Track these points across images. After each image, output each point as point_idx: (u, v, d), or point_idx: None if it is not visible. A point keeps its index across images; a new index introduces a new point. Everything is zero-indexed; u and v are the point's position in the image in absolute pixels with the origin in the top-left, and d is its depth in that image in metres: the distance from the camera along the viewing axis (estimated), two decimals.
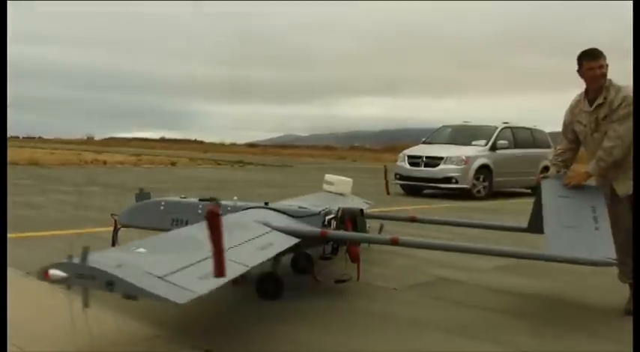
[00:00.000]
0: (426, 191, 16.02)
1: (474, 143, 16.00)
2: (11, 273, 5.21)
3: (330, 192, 6.93)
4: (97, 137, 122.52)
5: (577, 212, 4.53)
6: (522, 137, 17.00)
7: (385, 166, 9.37)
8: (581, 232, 4.38)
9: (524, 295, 5.18)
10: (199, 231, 3.50)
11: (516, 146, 16.47)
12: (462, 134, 16.96)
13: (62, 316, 4.07)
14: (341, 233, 4.85)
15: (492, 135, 16.03)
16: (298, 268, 5.39)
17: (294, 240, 4.36)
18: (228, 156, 44.79)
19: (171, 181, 17.58)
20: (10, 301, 4.34)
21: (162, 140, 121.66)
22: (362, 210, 5.32)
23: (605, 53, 4.53)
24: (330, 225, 4.95)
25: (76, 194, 12.71)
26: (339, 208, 5.14)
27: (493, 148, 15.71)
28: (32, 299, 4.46)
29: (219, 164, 33.50)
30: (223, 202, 5.06)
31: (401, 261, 6.48)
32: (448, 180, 15.07)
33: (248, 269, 3.45)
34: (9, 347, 3.40)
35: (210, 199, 5.03)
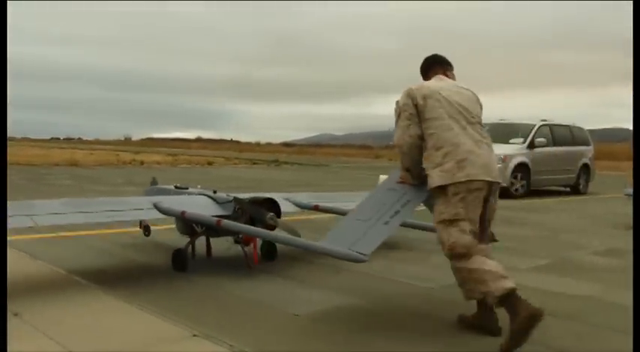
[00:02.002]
0: None
1: (511, 141, 15.78)
2: (52, 272, 5.31)
3: None
4: (135, 137, 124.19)
5: (384, 205, 4.16)
6: (561, 134, 16.72)
7: None
8: (364, 226, 4.05)
9: (563, 295, 5.08)
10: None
11: (555, 143, 16.20)
12: (500, 132, 16.71)
13: (102, 313, 4.14)
14: (196, 215, 5.36)
15: (530, 132, 15.76)
16: (263, 254, 5.96)
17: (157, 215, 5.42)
18: (263, 156, 45.04)
19: (208, 181, 17.68)
20: (51, 299, 4.43)
21: (199, 140, 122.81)
22: (266, 201, 5.64)
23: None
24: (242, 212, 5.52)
25: (113, 194, 12.87)
26: (234, 197, 5.67)
27: (531, 146, 15.46)
28: (73, 297, 4.52)
29: (254, 163, 33.73)
30: (190, 189, 6.37)
31: (437, 259, 6.40)
32: None
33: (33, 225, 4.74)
34: (54, 346, 3.44)
35: (153, 180, 7.16)
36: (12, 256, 5.91)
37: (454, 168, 3.77)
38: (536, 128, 15.91)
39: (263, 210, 5.44)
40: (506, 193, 14.72)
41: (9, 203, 4.58)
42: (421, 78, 4.37)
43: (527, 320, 3.48)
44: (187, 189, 6.36)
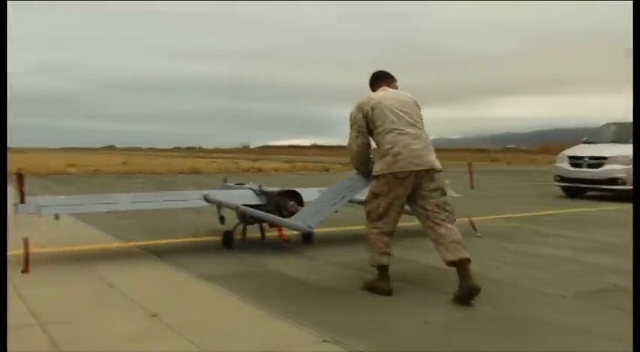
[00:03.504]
0: (589, 193, 15.18)
1: None
2: (185, 276, 5.49)
3: None
4: (253, 145, 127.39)
5: (340, 191, 5.73)
6: None
7: (470, 162, 10.15)
8: (322, 206, 5.67)
9: None
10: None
11: None
12: (628, 132, 15.87)
13: (234, 317, 4.23)
14: (227, 202, 6.91)
15: None
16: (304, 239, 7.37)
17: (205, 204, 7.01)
18: None
19: (324, 186, 17.78)
20: (186, 302, 4.58)
21: (315, 146, 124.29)
22: (289, 193, 6.97)
23: None
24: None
25: None
26: (260, 189, 7.30)
27: None
28: (206, 301, 4.68)
29: None
30: (246, 185, 7.80)
31: (566, 265, 6.16)
32: (614, 181, 14.15)
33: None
34: (190, 346, 3.55)
35: (224, 180, 8.84)
36: (147, 260, 6.20)
37: (391, 161, 4.86)
38: None
39: (286, 200, 6.82)
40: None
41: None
42: (369, 88, 5.44)
43: (386, 293, 4.85)
44: (244, 185, 7.90)
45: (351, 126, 5.19)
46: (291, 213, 6.48)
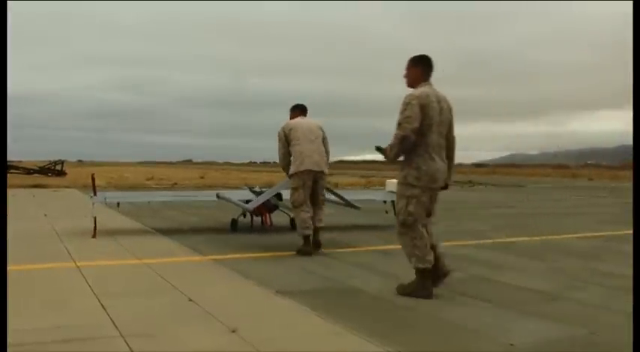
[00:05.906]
0: None
1: None
2: (262, 291, 5.44)
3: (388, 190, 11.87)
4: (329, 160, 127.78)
5: (277, 188, 9.37)
6: None
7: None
8: (265, 197, 9.23)
9: None
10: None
11: None
12: None
13: (312, 333, 4.14)
14: (227, 197, 9.91)
15: None
16: (293, 226, 9.72)
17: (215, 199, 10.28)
18: (457, 177, 44.35)
19: None
20: (264, 317, 4.51)
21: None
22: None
23: None
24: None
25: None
26: (248, 188, 11.13)
27: None
28: (284, 316, 4.61)
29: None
30: (255, 188, 11.02)
31: None
32: None
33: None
34: None
35: (249, 187, 11.41)
36: (224, 274, 6.21)
37: (299, 164, 7.62)
38: None
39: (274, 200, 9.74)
40: None
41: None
42: (289, 113, 8.21)
43: (315, 245, 7.58)
44: (254, 187, 11.16)
45: (278, 140, 7.91)
46: (273, 205, 9.77)
